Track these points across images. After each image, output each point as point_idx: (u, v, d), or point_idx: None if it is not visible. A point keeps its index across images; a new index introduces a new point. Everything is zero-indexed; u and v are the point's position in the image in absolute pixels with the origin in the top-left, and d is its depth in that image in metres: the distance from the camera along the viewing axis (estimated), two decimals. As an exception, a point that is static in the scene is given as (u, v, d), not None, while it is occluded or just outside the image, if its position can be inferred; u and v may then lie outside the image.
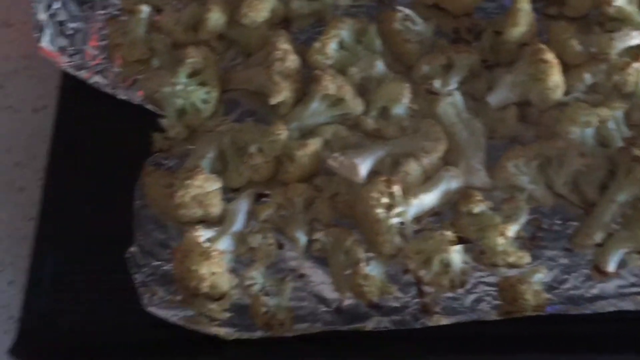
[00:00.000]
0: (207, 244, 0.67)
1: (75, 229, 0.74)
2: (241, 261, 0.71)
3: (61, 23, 0.86)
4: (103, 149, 0.79)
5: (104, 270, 0.72)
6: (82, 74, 0.83)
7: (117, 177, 0.76)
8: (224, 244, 0.70)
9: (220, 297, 0.67)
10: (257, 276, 0.69)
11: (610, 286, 0.68)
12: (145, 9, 0.83)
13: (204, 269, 0.65)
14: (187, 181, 0.68)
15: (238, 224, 0.71)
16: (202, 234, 0.68)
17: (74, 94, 0.83)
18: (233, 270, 0.70)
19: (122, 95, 0.81)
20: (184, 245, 0.67)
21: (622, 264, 0.69)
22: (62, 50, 0.84)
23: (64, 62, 0.83)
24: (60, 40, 0.85)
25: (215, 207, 0.70)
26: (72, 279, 0.72)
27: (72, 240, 0.74)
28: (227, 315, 0.67)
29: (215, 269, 0.66)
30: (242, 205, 0.72)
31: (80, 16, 0.87)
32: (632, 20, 0.79)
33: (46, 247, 0.73)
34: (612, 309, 0.67)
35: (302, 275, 0.70)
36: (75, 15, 0.87)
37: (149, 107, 0.80)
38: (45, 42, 0.84)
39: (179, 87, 0.77)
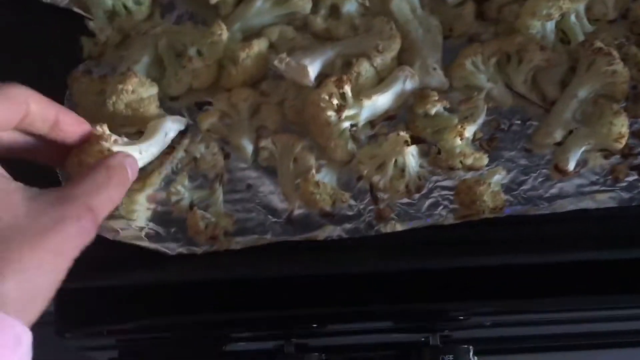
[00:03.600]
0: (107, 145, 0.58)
1: None
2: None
3: None
4: (27, 59, 0.72)
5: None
6: (-2, -24, 0.75)
7: (44, 89, 0.70)
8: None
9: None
10: (181, 190, 0.65)
11: (570, 185, 0.66)
12: None
13: None
14: (119, 86, 0.62)
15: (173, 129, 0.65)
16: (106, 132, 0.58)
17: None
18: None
19: (45, -2, 0.74)
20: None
21: (582, 163, 0.67)
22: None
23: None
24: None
25: (151, 114, 0.65)
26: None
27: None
28: (152, 224, 0.64)
29: None
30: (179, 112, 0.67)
31: None
32: None
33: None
34: (571, 207, 0.65)
35: (249, 186, 0.66)
36: None
37: (76, 9, 0.73)
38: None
39: (107, -14, 0.69)
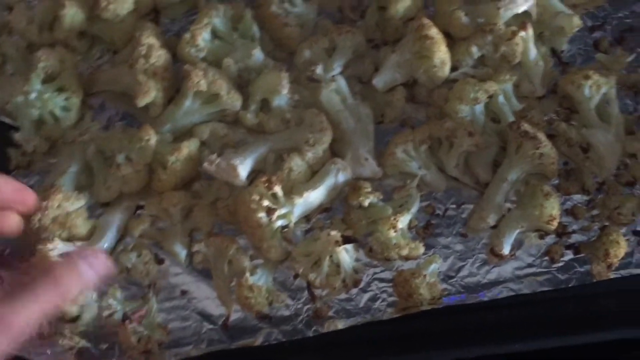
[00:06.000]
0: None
1: None
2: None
3: None
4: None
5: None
6: None
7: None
8: None
9: (71, 320, 0.61)
10: (113, 303, 0.63)
11: (507, 269, 0.66)
12: (-11, 9, 0.74)
13: None
14: (43, 203, 0.61)
15: (105, 241, 0.65)
16: (56, 248, 0.61)
17: None
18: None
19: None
20: (34, 259, 0.60)
21: (518, 244, 0.67)
22: None
23: None
24: None
25: (80, 227, 0.64)
26: None
27: None
28: (83, 342, 0.62)
29: None
30: (113, 221, 0.66)
31: None
32: (518, -14, 0.76)
33: None
34: (508, 293, 0.65)
35: (184, 292, 0.65)
36: None
37: (3, 119, 0.72)
38: None
39: (32, 96, 0.69)
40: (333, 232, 0.63)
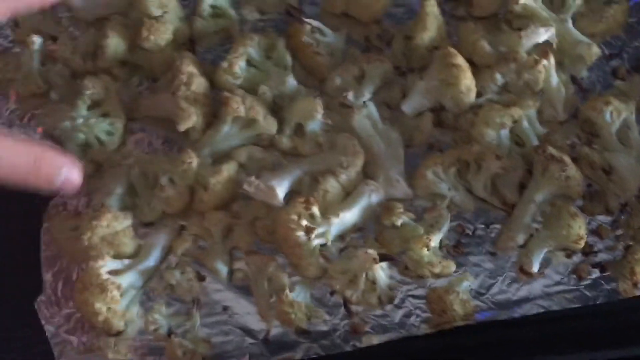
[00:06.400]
0: (107, 277, 0.63)
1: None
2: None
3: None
4: (3, 195, 0.73)
5: (14, 325, 0.67)
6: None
7: (22, 223, 0.72)
8: (129, 278, 0.66)
9: (116, 334, 0.64)
10: (159, 318, 0.66)
11: (536, 287, 0.68)
12: (37, 40, 0.78)
13: (99, 303, 0.62)
14: (93, 222, 0.64)
15: (151, 259, 0.67)
16: (105, 265, 0.64)
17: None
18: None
19: (19, 133, 0.76)
20: (85, 275, 0.63)
21: (546, 263, 0.69)
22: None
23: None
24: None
25: (127, 245, 0.67)
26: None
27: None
28: (126, 354, 0.64)
29: (111, 304, 0.63)
30: (158, 240, 0.69)
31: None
32: (538, 16, 0.80)
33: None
34: (539, 310, 0.67)
35: (225, 308, 0.68)
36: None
37: (50, 145, 0.75)
38: None
39: (79, 121, 0.72)
40: (370, 251, 0.66)
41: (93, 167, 0.73)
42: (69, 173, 0.53)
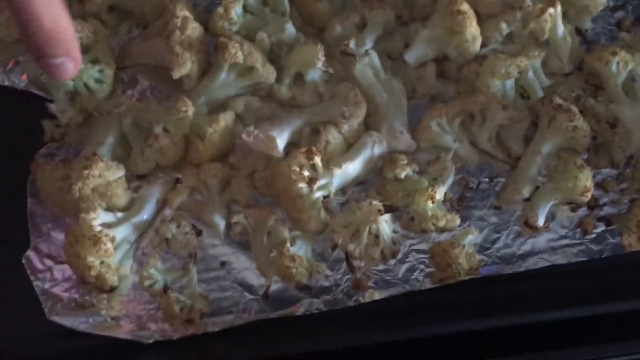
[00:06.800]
0: (100, 229, 0.60)
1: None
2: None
3: None
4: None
5: (1, 279, 0.64)
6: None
7: (7, 174, 0.68)
8: (123, 232, 0.63)
9: (110, 290, 0.61)
10: (154, 273, 0.63)
11: (541, 240, 0.67)
12: (19, -19, 0.73)
13: (92, 256, 0.59)
14: (84, 171, 0.61)
15: (145, 213, 0.65)
16: (98, 217, 0.61)
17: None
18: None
19: (3, 80, 0.72)
20: (76, 227, 0.60)
21: (551, 217, 0.68)
22: None
23: None
24: None
25: (120, 197, 0.64)
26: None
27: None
28: (121, 311, 0.62)
29: (104, 257, 0.60)
30: (152, 193, 0.66)
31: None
32: (544, -36, 0.77)
33: None
34: (544, 264, 0.66)
35: (223, 263, 0.65)
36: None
37: (36, 91, 0.71)
38: None
39: (66, 67, 0.68)
40: (375, 202, 0.63)
41: (82, 116, 0.70)
42: (68, 62, 0.52)
